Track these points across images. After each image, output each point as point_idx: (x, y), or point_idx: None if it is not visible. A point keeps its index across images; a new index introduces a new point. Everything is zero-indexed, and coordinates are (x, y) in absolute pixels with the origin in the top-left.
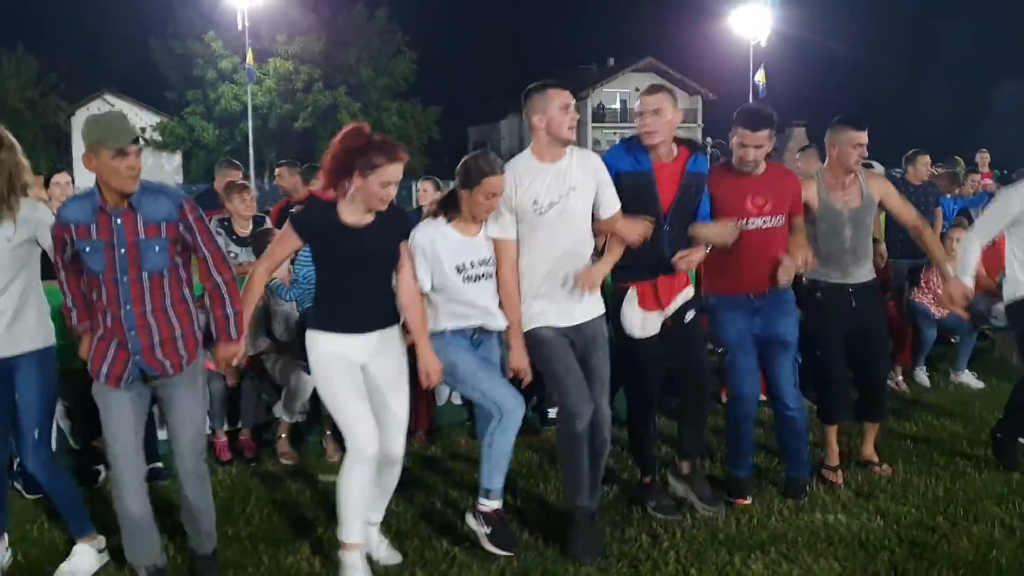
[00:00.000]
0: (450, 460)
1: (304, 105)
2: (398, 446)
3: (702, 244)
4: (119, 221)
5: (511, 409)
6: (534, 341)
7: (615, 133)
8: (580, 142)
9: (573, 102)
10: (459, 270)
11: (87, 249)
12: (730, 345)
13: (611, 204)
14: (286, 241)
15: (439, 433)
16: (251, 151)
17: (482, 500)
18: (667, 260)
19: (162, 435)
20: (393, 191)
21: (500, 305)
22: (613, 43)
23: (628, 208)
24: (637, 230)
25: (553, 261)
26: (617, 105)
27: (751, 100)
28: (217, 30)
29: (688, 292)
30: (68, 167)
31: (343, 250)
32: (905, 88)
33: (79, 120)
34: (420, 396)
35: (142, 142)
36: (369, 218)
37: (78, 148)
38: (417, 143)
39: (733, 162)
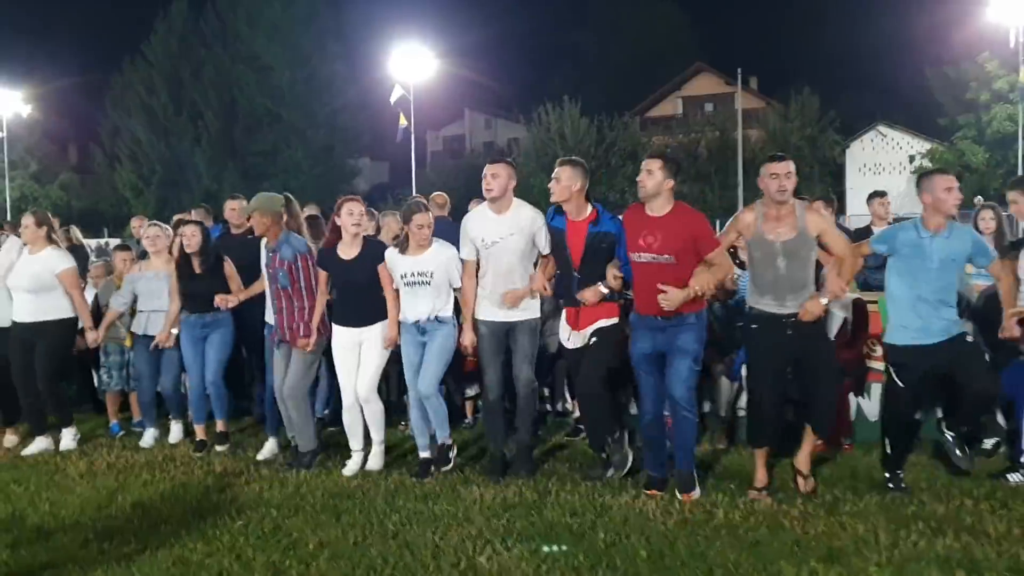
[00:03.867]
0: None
1: None
2: None
3: (597, 285)
4: (270, 255)
5: (414, 387)
6: (477, 328)
7: None
8: None
9: None
10: (402, 277)
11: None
12: (633, 365)
13: (541, 248)
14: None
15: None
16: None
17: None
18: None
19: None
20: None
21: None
22: None
23: (558, 256)
24: (537, 281)
25: (492, 281)
26: None
27: None
28: (992, 49)
29: (603, 323)
30: (841, 197)
31: None
32: None
33: (853, 153)
34: (844, 405)
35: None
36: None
37: (852, 179)
38: None
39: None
